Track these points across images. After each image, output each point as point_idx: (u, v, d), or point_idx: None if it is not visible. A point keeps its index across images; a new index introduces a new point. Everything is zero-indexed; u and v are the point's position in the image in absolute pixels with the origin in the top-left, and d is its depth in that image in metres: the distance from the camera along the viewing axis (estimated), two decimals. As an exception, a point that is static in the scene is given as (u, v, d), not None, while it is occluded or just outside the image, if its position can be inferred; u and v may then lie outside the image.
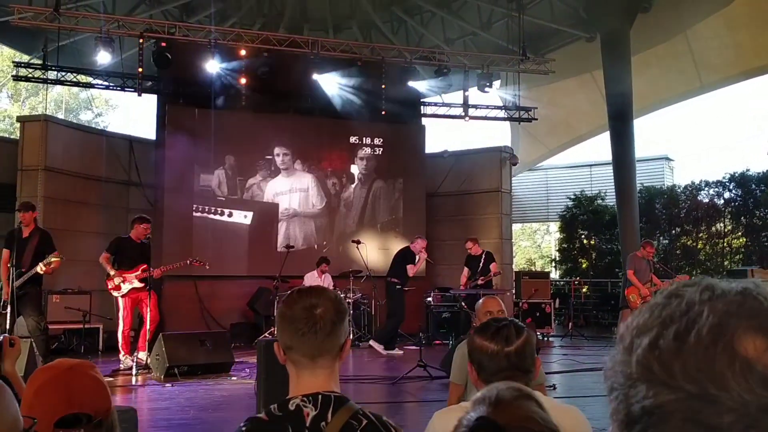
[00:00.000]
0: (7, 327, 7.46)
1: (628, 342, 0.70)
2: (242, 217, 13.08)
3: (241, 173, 13.14)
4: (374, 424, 1.66)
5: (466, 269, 11.49)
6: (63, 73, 12.21)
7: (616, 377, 0.70)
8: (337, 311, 1.74)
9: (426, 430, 2.12)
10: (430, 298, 12.68)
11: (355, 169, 13.96)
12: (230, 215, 12.99)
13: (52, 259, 7.81)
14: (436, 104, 15.03)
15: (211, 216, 12.80)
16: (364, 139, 14.05)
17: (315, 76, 12.93)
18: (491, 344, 2.09)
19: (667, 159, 21.82)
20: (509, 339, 2.08)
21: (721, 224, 17.45)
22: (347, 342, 1.79)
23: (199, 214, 12.67)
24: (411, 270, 11.02)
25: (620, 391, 0.68)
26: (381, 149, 14.12)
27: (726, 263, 17.06)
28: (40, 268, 7.75)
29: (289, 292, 1.82)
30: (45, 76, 12.03)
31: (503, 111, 14.76)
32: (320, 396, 1.67)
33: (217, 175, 12.90)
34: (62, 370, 1.55)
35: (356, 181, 13.97)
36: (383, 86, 13.14)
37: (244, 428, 1.64)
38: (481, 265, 11.28)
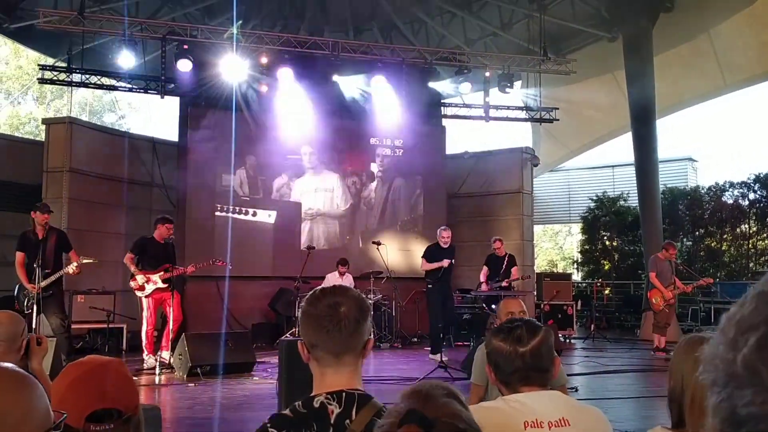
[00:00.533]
0: (33, 327, 7.55)
1: (731, 336, 0.63)
2: (266, 217, 13.15)
3: (263, 173, 13.20)
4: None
5: (485, 268, 11.38)
6: (87, 76, 12.35)
7: (718, 373, 0.64)
8: (360, 309, 1.75)
9: None
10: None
11: (375, 171, 13.98)
12: (254, 215, 13.06)
13: (85, 261, 7.94)
14: (456, 105, 15.01)
15: (234, 215, 12.87)
16: (384, 140, 14.06)
17: (335, 77, 12.97)
18: (505, 345, 2.08)
19: (691, 160, 21.61)
20: (522, 339, 2.07)
21: (746, 226, 17.24)
22: (370, 341, 1.79)
23: (221, 213, 12.74)
24: (426, 266, 10.15)
25: (723, 389, 0.62)
26: (401, 150, 14.12)
27: (751, 265, 16.86)
28: (72, 269, 7.86)
29: (311, 291, 1.83)
30: (69, 79, 12.18)
31: (524, 112, 14.70)
32: (344, 394, 1.68)
33: (239, 175, 12.97)
34: (95, 365, 1.57)
35: (377, 183, 13.98)
36: (404, 87, 13.14)
37: (269, 425, 1.65)
38: (504, 267, 11.22)
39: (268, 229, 13.15)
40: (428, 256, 10.11)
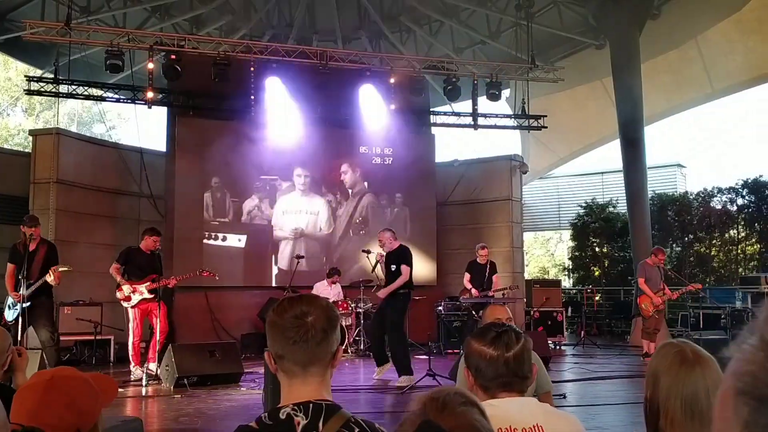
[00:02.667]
0: (19, 339, 7.49)
1: None
2: (255, 227, 13.11)
3: (254, 184, 13.17)
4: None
5: (468, 275, 11.40)
6: (74, 87, 12.31)
7: (756, 384, 0.56)
8: (328, 319, 1.71)
9: None
10: (440, 307, 12.63)
11: (364, 179, 13.96)
12: (243, 225, 13.03)
13: (64, 268, 7.88)
14: (445, 113, 15.04)
15: (222, 226, 12.84)
16: (373, 148, 14.06)
17: (324, 87, 12.97)
18: (490, 349, 2.07)
19: (680, 166, 21.69)
20: (509, 344, 2.06)
21: (735, 231, 17.31)
22: (339, 350, 1.76)
23: (209, 224, 12.71)
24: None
25: (762, 403, 0.55)
26: (391, 159, 14.12)
27: (740, 270, 16.91)
28: (48, 276, 7.80)
29: (279, 300, 1.79)
30: (57, 90, 12.14)
31: (513, 119, 14.73)
32: (311, 404, 1.65)
33: (216, 190, 12.95)
34: (43, 379, 1.54)
35: (366, 191, 13.96)
36: (392, 96, 13.16)
37: None
38: (486, 274, 11.24)
39: (254, 240, 13.10)
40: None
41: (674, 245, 17.72)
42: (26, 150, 14.30)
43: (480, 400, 2.14)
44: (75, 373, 1.58)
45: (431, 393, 1.02)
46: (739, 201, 17.11)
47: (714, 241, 17.57)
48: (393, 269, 8.82)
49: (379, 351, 8.99)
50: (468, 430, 0.93)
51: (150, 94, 12.02)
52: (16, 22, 13.34)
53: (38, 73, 14.05)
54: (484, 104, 14.31)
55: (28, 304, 7.72)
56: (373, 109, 13.39)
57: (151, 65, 11.84)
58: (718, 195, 17.38)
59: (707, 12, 14.69)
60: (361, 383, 8.97)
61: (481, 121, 14.22)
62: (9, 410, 1.49)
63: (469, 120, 14.28)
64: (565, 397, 7.55)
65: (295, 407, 1.64)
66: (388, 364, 8.79)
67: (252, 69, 12.37)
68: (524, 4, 14.11)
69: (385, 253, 9.02)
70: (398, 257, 8.88)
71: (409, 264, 8.83)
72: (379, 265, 9.18)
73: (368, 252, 11.99)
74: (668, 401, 1.91)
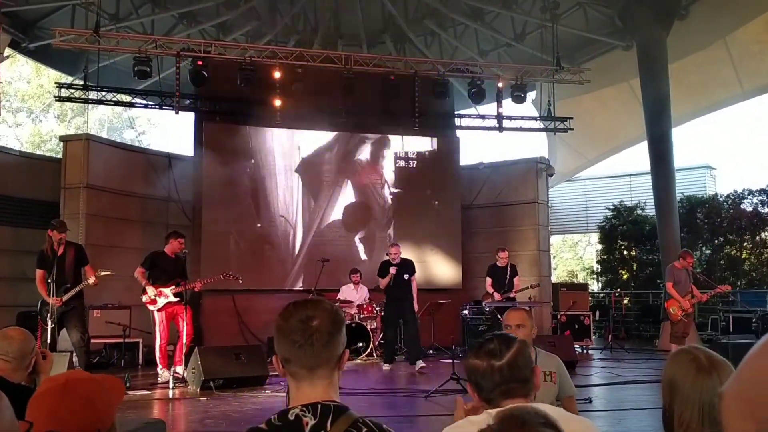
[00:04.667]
0: (49, 341, 7.62)
1: None
2: (282, 231, 13.21)
3: (281, 189, 13.27)
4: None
5: (489, 279, 11.39)
6: (103, 93, 12.51)
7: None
8: (333, 322, 1.74)
9: None
10: (465, 311, 12.59)
11: (390, 183, 13.99)
12: (269, 228, 13.14)
13: (103, 273, 8.05)
14: (470, 116, 15.01)
15: (250, 230, 12.96)
16: (399, 152, 14.08)
17: (349, 92, 13.02)
18: (480, 362, 2.07)
19: (709, 168, 21.38)
20: (496, 353, 2.06)
21: (766, 233, 17.01)
22: (345, 353, 1.78)
23: (235, 227, 12.83)
24: (383, 284, 10.58)
25: None
26: (416, 162, 14.14)
27: (772, 273, 16.63)
28: (91, 279, 7.96)
29: (291, 303, 1.81)
30: (86, 97, 12.35)
31: (538, 122, 14.65)
32: (319, 405, 1.67)
33: (243, 194, 13.06)
34: (58, 384, 1.56)
35: (392, 195, 13.99)
36: (417, 99, 13.17)
37: None
38: (507, 277, 11.21)
39: (282, 243, 13.20)
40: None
41: (704, 248, 17.46)
42: (58, 156, 14.55)
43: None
44: (87, 376, 1.61)
45: (510, 410, 1.01)
46: (771, 203, 16.82)
47: (745, 244, 17.29)
48: (406, 278, 10.43)
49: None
50: None
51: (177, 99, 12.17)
52: (46, 30, 13.59)
53: (68, 79, 14.30)
54: (509, 106, 14.27)
55: (71, 307, 7.89)
56: (398, 113, 13.40)
57: (178, 79, 11.99)
58: (749, 197, 17.09)
59: (736, 12, 14.48)
60: (386, 386, 8.97)
61: (506, 123, 14.17)
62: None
63: (494, 122, 14.24)
64: (590, 402, 7.48)
65: (304, 408, 1.67)
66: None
67: (277, 74, 12.47)
68: (549, 5, 14.03)
69: (397, 267, 10.39)
70: (410, 268, 10.60)
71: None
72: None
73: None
74: (684, 410, 1.90)
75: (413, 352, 10.57)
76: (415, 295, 10.71)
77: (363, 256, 13.61)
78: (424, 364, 10.18)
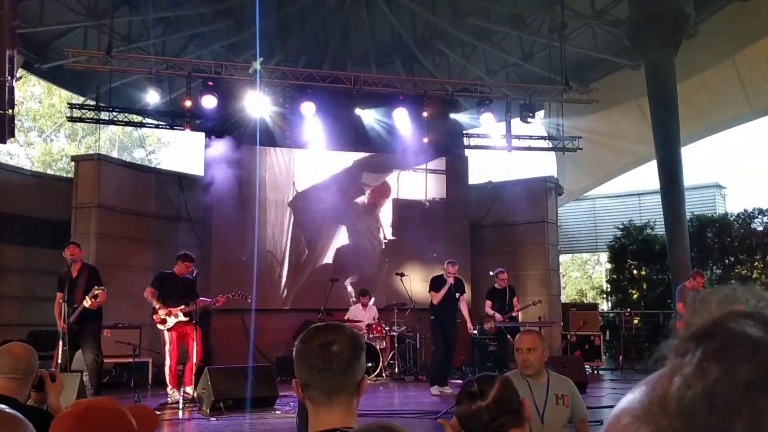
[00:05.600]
0: (62, 362, 7.64)
1: None
2: (293, 249, 13.23)
3: (291, 207, 13.31)
4: None
5: (489, 302, 11.29)
6: (115, 114, 12.62)
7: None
8: (353, 348, 1.74)
9: None
10: (475, 331, 12.52)
11: (399, 202, 14.00)
12: (279, 247, 13.16)
13: (96, 292, 8.04)
14: (479, 135, 15.04)
15: (260, 250, 12.98)
16: (407, 171, 14.11)
17: (358, 111, 13.10)
18: (466, 407, 2.12)
19: (719, 186, 21.31)
20: (478, 395, 2.11)
21: (777, 253, 16.92)
22: (364, 379, 1.79)
23: (245, 246, 12.86)
24: (433, 297, 10.14)
25: None
26: (425, 181, 14.16)
27: (783, 293, 16.48)
28: (86, 302, 7.97)
29: (306, 330, 1.82)
30: (98, 117, 12.45)
31: (547, 141, 14.67)
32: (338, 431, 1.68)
33: (252, 214, 13.10)
34: (78, 409, 1.57)
35: (400, 214, 14.00)
36: (425, 119, 13.21)
37: None
38: (507, 299, 11.14)
39: (294, 262, 13.21)
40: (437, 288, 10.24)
41: (714, 267, 17.37)
42: (69, 175, 14.65)
43: None
44: (110, 405, 1.61)
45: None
46: (781, 222, 16.74)
47: (756, 264, 17.19)
48: (457, 296, 10.20)
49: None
50: None
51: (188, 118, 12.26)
52: (59, 51, 13.74)
53: (80, 99, 14.44)
54: (518, 126, 14.30)
55: (77, 328, 7.91)
56: (407, 133, 13.46)
57: (188, 105, 12.06)
58: (759, 216, 17.02)
59: (744, 31, 14.51)
60: (395, 408, 8.93)
61: (515, 142, 14.19)
62: None
63: (503, 142, 14.26)
64: (602, 424, 7.40)
65: None
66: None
67: (287, 94, 12.55)
68: (557, 26, 14.10)
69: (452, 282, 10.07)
70: (462, 287, 10.39)
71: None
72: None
73: (402, 275, 12.08)
74: None
75: (440, 375, 10.15)
76: (466, 315, 10.58)
77: (371, 277, 13.57)
78: (439, 393, 9.80)
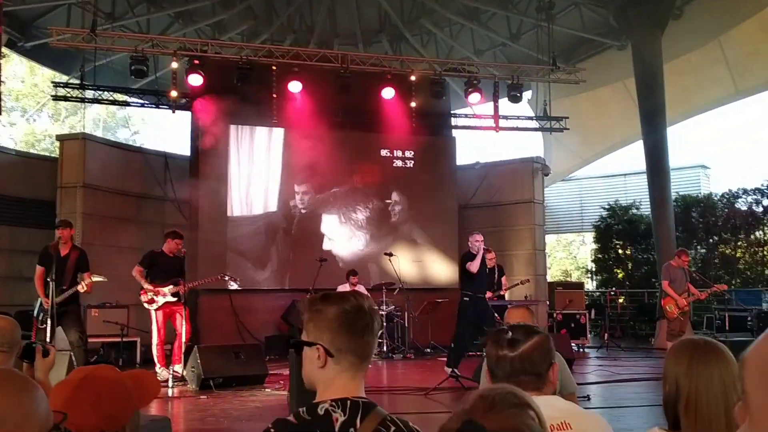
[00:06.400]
0: (47, 340, 7.62)
1: None
2: (278, 230, 13.20)
3: (276, 188, 13.26)
4: (402, 431, 1.65)
5: None
6: (99, 93, 12.50)
7: None
8: (378, 314, 1.78)
9: None
10: (462, 310, 12.60)
11: (386, 182, 13.98)
12: (265, 228, 13.13)
13: (96, 279, 8.02)
14: (466, 116, 15.04)
15: (246, 229, 12.95)
16: (395, 152, 14.10)
17: (345, 90, 13.03)
18: (495, 350, 2.09)
19: (703, 167, 21.47)
20: (511, 344, 2.07)
21: (761, 232, 17.11)
22: None
23: (233, 226, 12.83)
24: (471, 267, 9.18)
25: None
26: (412, 162, 14.15)
27: (766, 272, 16.71)
28: (81, 287, 7.94)
29: (325, 293, 1.78)
30: (82, 96, 12.34)
31: (534, 121, 14.69)
32: (349, 401, 1.65)
33: (240, 194, 13.05)
34: (77, 377, 1.56)
35: (388, 194, 13.99)
36: (413, 99, 13.20)
37: (272, 429, 1.63)
38: (495, 278, 11.18)
39: (279, 242, 13.19)
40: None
41: (699, 247, 17.55)
42: (53, 155, 14.51)
43: None
44: (110, 373, 1.60)
45: (483, 390, 1.00)
46: (765, 202, 16.89)
47: (740, 243, 17.38)
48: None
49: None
50: None
51: (174, 93, 12.13)
52: (42, 29, 13.56)
53: (64, 79, 14.26)
54: (505, 106, 14.31)
55: (65, 309, 7.88)
56: (394, 112, 13.43)
57: (174, 68, 11.95)
58: (743, 196, 17.18)
59: (730, 12, 14.57)
60: (383, 385, 8.99)
61: (502, 123, 14.22)
62: None
63: (490, 122, 14.28)
64: (589, 399, 7.53)
65: (333, 403, 1.64)
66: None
67: (274, 73, 12.47)
68: (545, 5, 14.07)
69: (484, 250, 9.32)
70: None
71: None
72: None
73: (390, 255, 12.12)
74: (690, 395, 1.94)
75: (455, 357, 8.98)
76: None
77: (359, 257, 13.59)
78: (451, 372, 8.59)
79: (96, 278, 8.11)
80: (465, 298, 9.28)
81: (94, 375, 1.60)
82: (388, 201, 13.97)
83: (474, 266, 9.10)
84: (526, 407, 1.08)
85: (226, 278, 9.91)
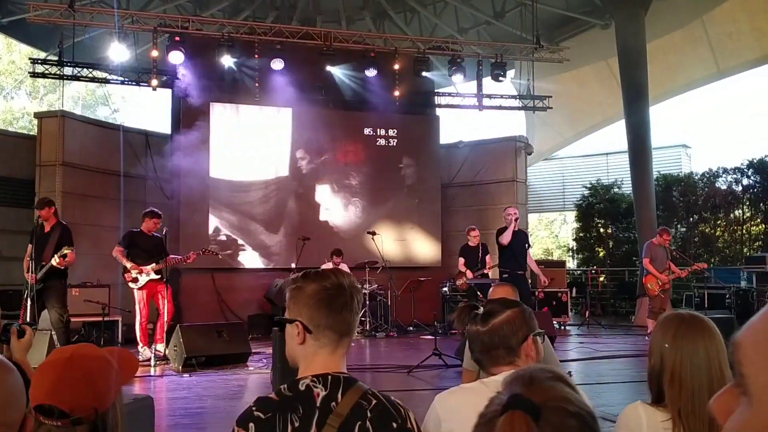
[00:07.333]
0: (28, 319, 7.56)
1: None
2: (261, 208, 13.15)
3: (259, 166, 13.19)
4: (383, 404, 1.67)
5: (462, 259, 11.33)
6: (78, 69, 12.31)
7: None
8: (359, 290, 1.79)
9: (428, 412, 2.12)
10: (445, 288, 12.68)
11: (369, 161, 13.95)
12: (248, 206, 13.07)
13: (65, 251, 7.91)
14: (450, 94, 14.99)
15: (228, 207, 12.88)
16: (378, 130, 14.04)
17: (328, 68, 12.94)
18: (470, 326, 2.10)
19: (685, 146, 21.63)
20: (484, 319, 2.07)
21: (740, 211, 17.29)
22: None
23: (215, 205, 12.76)
24: (504, 239, 9.52)
25: None
26: (395, 140, 14.11)
27: (745, 250, 16.91)
28: (54, 260, 7.86)
29: (306, 271, 1.79)
30: (61, 73, 12.13)
31: (517, 100, 14.69)
32: (330, 377, 1.67)
33: (221, 172, 12.97)
34: (63, 357, 1.54)
35: (371, 173, 13.95)
36: (396, 77, 13.13)
37: (254, 408, 1.64)
38: (480, 256, 11.23)
39: (261, 220, 13.13)
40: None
41: (679, 226, 17.71)
42: (31, 133, 14.30)
43: (481, 376, 2.18)
44: (94, 351, 1.58)
45: (517, 371, 1.01)
46: (745, 181, 17.07)
47: (719, 222, 17.57)
48: (526, 247, 9.95)
49: None
50: (559, 402, 0.92)
51: (154, 82, 12.02)
52: (19, 5, 13.31)
53: (42, 55, 14.02)
54: (488, 85, 14.28)
55: (41, 285, 7.81)
56: (378, 91, 13.36)
57: (155, 56, 11.81)
58: (724, 175, 17.34)
59: (713, -9, 14.61)
60: (366, 363, 9.04)
61: (485, 102, 14.20)
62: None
63: (473, 101, 14.26)
64: (570, 376, 7.58)
65: (315, 379, 1.66)
66: None
67: (256, 50, 12.34)
68: (529, -17, 14.02)
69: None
70: (527, 237, 10.11)
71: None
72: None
73: (373, 234, 12.12)
74: (674, 369, 1.96)
75: None
76: (536, 269, 10.39)
77: (342, 236, 13.58)
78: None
79: (66, 250, 7.96)
80: (504, 275, 9.57)
81: (80, 354, 1.57)
82: (370, 179, 13.93)
83: (505, 238, 9.48)
84: (561, 380, 1.10)
85: (208, 252, 9.86)
